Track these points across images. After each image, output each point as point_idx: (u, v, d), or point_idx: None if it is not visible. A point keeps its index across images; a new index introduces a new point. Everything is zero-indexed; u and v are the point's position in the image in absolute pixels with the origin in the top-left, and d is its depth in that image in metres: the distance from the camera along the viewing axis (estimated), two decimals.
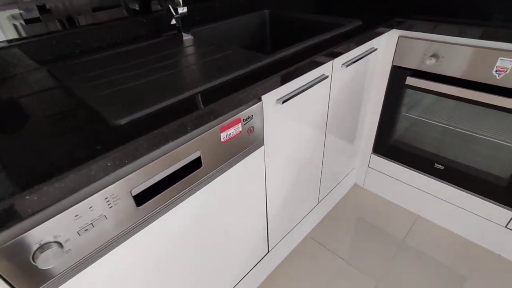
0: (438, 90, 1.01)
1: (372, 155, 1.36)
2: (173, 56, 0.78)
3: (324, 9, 1.17)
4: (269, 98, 0.70)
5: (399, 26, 1.02)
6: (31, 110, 0.56)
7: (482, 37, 0.87)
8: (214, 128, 0.59)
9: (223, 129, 0.61)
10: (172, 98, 0.55)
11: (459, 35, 0.91)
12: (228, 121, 0.61)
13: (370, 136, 1.32)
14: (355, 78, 1.02)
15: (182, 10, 0.90)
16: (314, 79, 0.81)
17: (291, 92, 0.75)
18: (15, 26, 0.73)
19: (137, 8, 0.98)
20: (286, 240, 1.13)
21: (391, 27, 1.01)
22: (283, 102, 0.72)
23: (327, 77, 0.84)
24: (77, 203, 0.43)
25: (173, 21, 0.89)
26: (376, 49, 1.02)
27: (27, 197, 0.37)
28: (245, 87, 0.60)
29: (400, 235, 1.27)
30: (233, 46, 0.83)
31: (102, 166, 0.43)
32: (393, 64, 1.10)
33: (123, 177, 0.48)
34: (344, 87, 0.98)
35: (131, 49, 0.86)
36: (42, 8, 0.76)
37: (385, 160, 1.33)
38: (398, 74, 1.10)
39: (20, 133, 0.49)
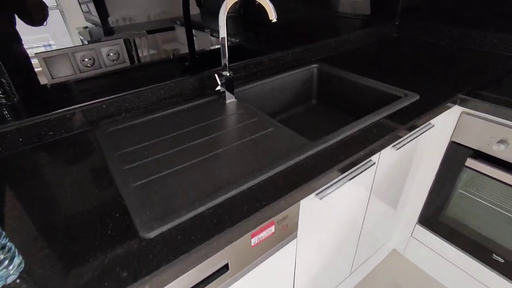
0: (504, 180, 0.88)
1: (417, 225, 1.23)
2: (212, 130, 0.77)
3: (376, 72, 1.09)
4: (308, 197, 0.65)
5: (462, 103, 0.91)
6: (70, 196, 0.58)
7: None
8: (245, 236, 0.56)
9: (255, 235, 0.58)
10: (205, 204, 0.53)
11: None
12: (261, 226, 0.58)
13: (416, 206, 1.20)
14: (404, 156, 0.93)
15: (227, 74, 0.89)
16: (360, 167, 0.74)
17: (332, 185, 0.69)
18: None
19: (187, 63, 1.00)
20: None
21: (453, 103, 0.91)
22: (321, 198, 0.67)
23: (374, 163, 0.77)
24: None
25: (218, 87, 0.89)
26: (433, 126, 0.92)
27: None
28: (284, 193, 0.56)
29: None
30: (276, 121, 0.80)
31: None
32: (452, 140, 0.98)
33: None
34: (392, 167, 0.90)
35: (175, 111, 0.87)
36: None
37: (432, 234, 1.20)
38: (456, 152, 0.98)
39: (55, 235, 0.50)
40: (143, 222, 0.50)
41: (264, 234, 0.59)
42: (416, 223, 1.23)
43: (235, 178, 0.59)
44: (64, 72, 0.74)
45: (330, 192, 0.68)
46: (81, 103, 0.79)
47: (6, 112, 0.72)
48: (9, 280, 0.43)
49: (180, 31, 0.93)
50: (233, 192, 0.56)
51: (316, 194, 0.67)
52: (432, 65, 1.14)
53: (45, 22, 0.70)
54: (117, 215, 0.53)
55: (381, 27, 1.49)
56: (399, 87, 0.95)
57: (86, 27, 0.77)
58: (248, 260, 0.61)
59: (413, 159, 1.01)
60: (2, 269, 0.42)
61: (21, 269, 0.44)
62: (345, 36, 1.34)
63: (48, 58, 0.71)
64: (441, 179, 1.07)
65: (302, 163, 0.64)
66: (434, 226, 1.18)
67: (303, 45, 1.20)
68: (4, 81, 0.73)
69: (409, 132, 0.80)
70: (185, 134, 0.76)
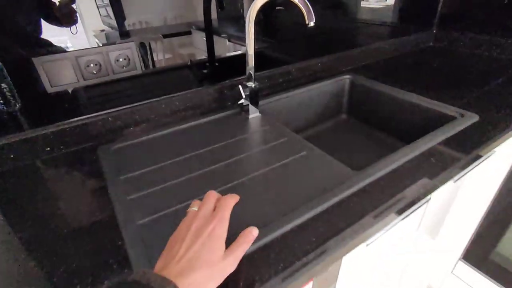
0: None
1: (460, 262, 1.08)
2: (234, 151, 0.65)
3: (418, 86, 0.95)
4: None
5: None
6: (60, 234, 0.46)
7: None
8: None
9: None
10: None
11: None
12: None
13: (461, 240, 1.05)
14: (458, 187, 0.79)
15: (252, 85, 0.77)
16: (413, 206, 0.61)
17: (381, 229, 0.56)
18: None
19: (205, 71, 0.90)
20: None
21: None
22: (368, 244, 0.54)
23: (430, 199, 0.64)
24: None
25: (241, 101, 0.77)
26: (494, 152, 0.77)
27: None
28: (329, 247, 0.43)
29: None
30: (308, 141, 0.67)
31: None
32: None
33: None
34: (443, 201, 0.76)
35: (191, 126, 0.76)
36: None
37: (477, 273, 1.04)
38: None
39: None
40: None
41: None
42: (459, 259, 1.07)
43: (264, 220, 0.47)
44: (65, 79, 0.64)
45: (379, 237, 0.55)
46: (84, 115, 0.68)
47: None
48: None
49: (197, 36, 0.83)
50: (263, 241, 0.44)
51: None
52: (481, 79, 0.99)
53: (75, 27, 0.64)
54: (115, 266, 0.41)
55: (417, 36, 1.35)
56: (451, 104, 0.81)
57: (103, 30, 0.69)
58: None
59: (463, 189, 0.86)
60: None
61: None
62: (377, 44, 1.21)
63: (47, 63, 0.61)
64: (495, 212, 0.92)
65: (348, 202, 0.51)
66: (481, 264, 1.02)
67: (333, 54, 1.08)
68: (4, 86, 0.64)
69: (472, 163, 0.66)
70: (202, 155, 0.64)
